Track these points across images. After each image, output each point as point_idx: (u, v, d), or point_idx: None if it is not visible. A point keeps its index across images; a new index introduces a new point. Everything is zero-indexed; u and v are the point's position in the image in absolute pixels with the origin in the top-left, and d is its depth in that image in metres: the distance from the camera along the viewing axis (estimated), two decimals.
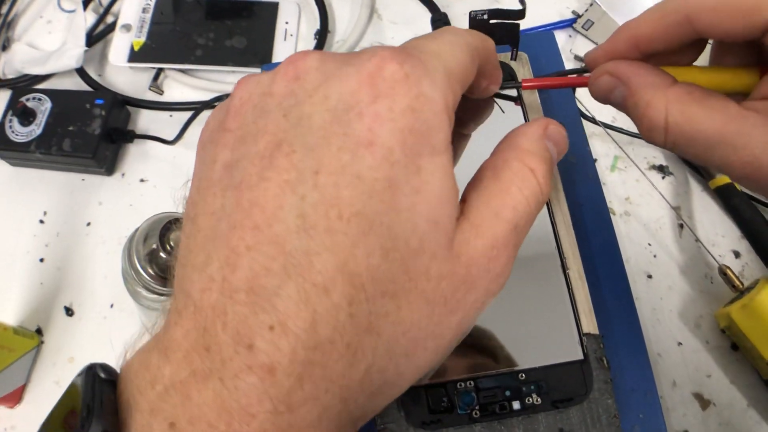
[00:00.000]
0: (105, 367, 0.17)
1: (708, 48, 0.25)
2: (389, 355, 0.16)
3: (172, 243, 0.32)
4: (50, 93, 0.45)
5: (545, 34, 0.43)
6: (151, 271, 0.33)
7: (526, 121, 0.35)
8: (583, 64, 0.48)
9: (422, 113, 0.16)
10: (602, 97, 0.24)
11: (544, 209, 0.33)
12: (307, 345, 0.15)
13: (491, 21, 0.29)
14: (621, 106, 0.24)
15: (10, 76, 0.49)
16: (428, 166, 0.17)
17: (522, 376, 0.29)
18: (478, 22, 0.29)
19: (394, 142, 0.16)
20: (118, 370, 0.17)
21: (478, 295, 0.18)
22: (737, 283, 0.37)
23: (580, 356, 0.29)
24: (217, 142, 0.18)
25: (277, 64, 0.47)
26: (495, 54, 0.23)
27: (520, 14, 0.29)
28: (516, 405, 0.29)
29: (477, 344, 0.30)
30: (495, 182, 0.20)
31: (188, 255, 0.17)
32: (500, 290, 0.19)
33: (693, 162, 0.44)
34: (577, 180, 0.38)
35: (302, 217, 0.15)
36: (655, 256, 0.41)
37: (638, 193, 0.43)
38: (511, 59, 0.35)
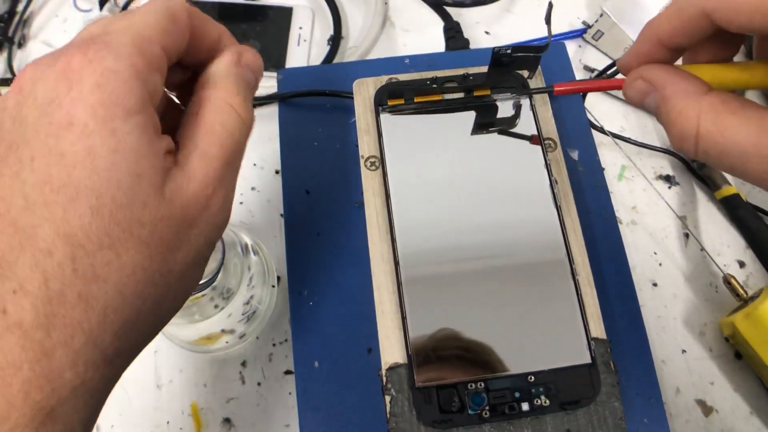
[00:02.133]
0: None
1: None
2: (120, 296, 0.19)
3: None
4: None
5: (556, 44, 0.44)
6: None
7: (538, 131, 0.36)
8: (592, 75, 0.49)
9: (109, 85, 0.19)
10: (636, 102, 0.25)
11: (555, 216, 0.33)
12: (44, 300, 0.18)
13: (514, 54, 0.30)
14: (654, 112, 0.24)
15: None
16: (122, 127, 0.19)
17: (531, 378, 0.30)
18: (501, 56, 0.29)
19: (87, 117, 0.19)
20: None
21: (201, 229, 0.21)
22: (741, 292, 0.37)
23: (588, 360, 0.30)
24: None
25: (290, 68, 0.47)
26: (204, 18, 0.25)
27: (543, 49, 0.30)
28: (525, 406, 0.29)
29: (488, 347, 0.30)
30: (200, 124, 0.22)
31: None
32: (226, 221, 0.23)
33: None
34: (586, 188, 0.38)
35: (25, 197, 0.19)
36: (660, 264, 0.41)
37: (645, 203, 0.43)
38: (528, 78, 0.36)
